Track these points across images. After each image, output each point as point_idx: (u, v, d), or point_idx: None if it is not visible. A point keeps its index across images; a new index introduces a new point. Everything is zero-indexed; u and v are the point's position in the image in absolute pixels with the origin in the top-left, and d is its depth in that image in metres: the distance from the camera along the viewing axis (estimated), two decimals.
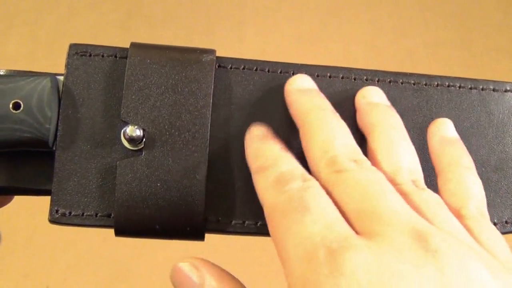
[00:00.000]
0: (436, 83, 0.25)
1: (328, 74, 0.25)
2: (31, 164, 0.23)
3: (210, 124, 0.23)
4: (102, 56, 0.24)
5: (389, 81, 0.25)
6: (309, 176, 0.20)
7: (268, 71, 0.25)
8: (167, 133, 0.22)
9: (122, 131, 0.22)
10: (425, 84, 0.25)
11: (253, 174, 0.21)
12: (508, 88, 0.26)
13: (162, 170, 0.22)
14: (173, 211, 0.22)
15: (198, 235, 0.23)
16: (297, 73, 0.25)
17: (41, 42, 0.89)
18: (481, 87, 0.25)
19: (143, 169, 0.22)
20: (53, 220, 0.22)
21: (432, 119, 0.24)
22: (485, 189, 0.23)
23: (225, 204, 0.23)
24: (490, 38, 0.91)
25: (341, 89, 0.25)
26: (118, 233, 0.22)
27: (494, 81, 0.26)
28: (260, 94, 0.24)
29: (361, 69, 0.25)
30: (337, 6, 0.94)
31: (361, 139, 0.23)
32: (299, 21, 0.93)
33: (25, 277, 0.69)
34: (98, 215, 0.22)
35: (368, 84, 0.25)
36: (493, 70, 0.87)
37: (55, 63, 0.87)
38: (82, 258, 0.70)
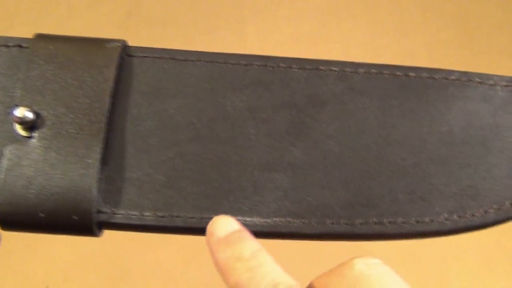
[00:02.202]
0: (362, 70, 0.25)
1: (244, 62, 0.24)
2: None
3: (114, 111, 0.22)
4: (7, 46, 0.24)
5: (309, 68, 0.24)
6: (297, 287, 0.19)
7: (179, 59, 0.24)
8: (63, 118, 0.22)
9: (12, 113, 0.21)
10: (350, 72, 0.25)
11: None
12: (443, 76, 0.25)
13: (52, 154, 0.21)
14: (60, 198, 0.21)
15: (88, 227, 0.21)
16: (204, 61, 0.24)
17: None
18: (412, 74, 0.25)
19: (33, 153, 0.21)
20: None
21: (359, 107, 0.24)
22: (422, 181, 0.22)
23: (123, 194, 0.22)
24: (490, 38, 0.91)
25: (259, 80, 0.24)
26: (3, 224, 0.21)
27: (429, 68, 0.25)
28: (171, 82, 0.24)
29: (279, 57, 0.24)
30: (337, 6, 0.94)
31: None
32: (299, 21, 0.93)
33: (25, 277, 0.69)
34: None
35: (288, 72, 0.24)
36: (493, 70, 0.87)
37: None
38: (82, 258, 0.70)
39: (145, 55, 0.24)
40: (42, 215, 0.21)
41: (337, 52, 0.88)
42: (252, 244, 0.20)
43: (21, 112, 0.21)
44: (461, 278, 0.70)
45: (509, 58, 0.89)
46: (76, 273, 0.69)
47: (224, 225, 0.21)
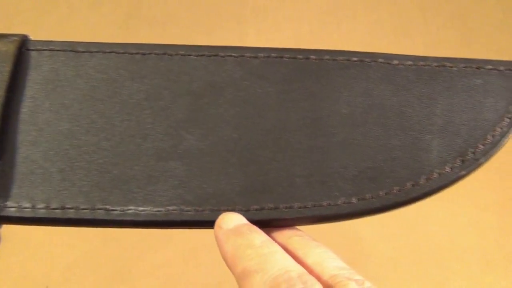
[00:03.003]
0: (262, 54, 0.24)
1: (143, 52, 0.24)
2: None
3: (10, 105, 0.22)
4: None
5: (207, 56, 0.24)
6: (308, 276, 0.18)
7: (78, 51, 0.25)
8: None
9: None
10: (250, 57, 0.24)
11: (237, 280, 0.20)
12: (345, 58, 0.24)
13: None
14: None
15: None
16: (103, 51, 0.24)
17: None
18: (313, 57, 0.24)
19: None
20: None
21: (259, 92, 0.24)
22: (320, 165, 0.22)
23: (15, 187, 0.22)
24: (490, 38, 0.91)
25: (157, 70, 0.24)
26: None
27: (331, 50, 0.25)
28: (69, 74, 0.24)
29: (178, 45, 0.25)
30: (337, 7, 0.94)
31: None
32: (299, 21, 0.93)
33: (24, 277, 0.69)
34: None
35: (187, 60, 0.24)
36: None
37: None
38: (82, 258, 0.70)
39: (44, 48, 0.25)
40: None
41: None
42: (263, 234, 0.20)
43: None
44: (461, 278, 0.70)
45: (509, 58, 0.89)
46: (76, 273, 0.69)
47: (233, 218, 0.21)
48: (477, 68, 0.25)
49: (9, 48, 0.23)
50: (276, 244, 0.20)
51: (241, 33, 0.91)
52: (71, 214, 0.22)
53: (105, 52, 0.25)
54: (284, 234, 0.22)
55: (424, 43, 0.90)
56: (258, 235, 0.20)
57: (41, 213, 0.22)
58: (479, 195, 0.74)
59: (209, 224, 0.23)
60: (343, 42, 0.90)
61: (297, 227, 0.24)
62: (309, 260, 0.20)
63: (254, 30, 0.91)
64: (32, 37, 0.24)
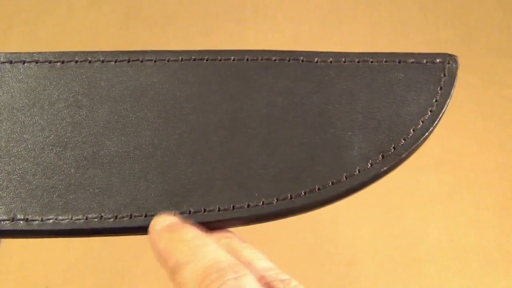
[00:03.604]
0: (182, 57, 0.25)
1: (62, 59, 0.25)
2: None
3: None
4: None
5: (127, 60, 0.24)
6: (240, 266, 0.18)
7: (37, 62, 0.24)
8: None
9: None
10: (170, 60, 0.25)
11: (169, 275, 0.19)
12: (265, 57, 0.24)
13: None
14: None
15: None
16: (24, 62, 0.24)
17: (41, 42, 0.89)
18: (234, 57, 0.25)
19: None
20: None
21: (178, 95, 0.24)
22: (240, 166, 0.22)
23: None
24: (490, 38, 0.91)
25: (78, 76, 0.24)
26: None
27: (252, 51, 0.25)
28: (20, 91, 0.24)
29: (99, 52, 0.25)
30: (337, 7, 0.94)
31: None
32: (299, 22, 0.93)
33: (24, 277, 0.69)
34: None
35: (107, 66, 0.24)
36: (494, 70, 0.87)
37: None
38: (82, 258, 0.70)
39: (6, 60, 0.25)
40: None
41: None
42: (194, 229, 0.20)
43: None
44: (461, 278, 0.70)
45: (509, 58, 0.89)
46: (76, 273, 0.69)
47: (166, 219, 0.21)
48: (398, 62, 0.25)
49: None
50: (208, 237, 0.20)
51: (241, 33, 0.91)
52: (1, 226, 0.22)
53: (26, 62, 0.24)
54: (213, 237, 0.22)
55: (424, 43, 0.90)
56: (190, 230, 0.20)
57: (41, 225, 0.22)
58: (479, 195, 0.74)
59: (128, 230, 0.22)
60: (343, 42, 0.90)
61: (229, 229, 0.24)
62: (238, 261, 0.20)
63: (254, 30, 0.91)
64: None
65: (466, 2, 0.95)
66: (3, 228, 0.22)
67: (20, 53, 0.25)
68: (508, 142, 0.78)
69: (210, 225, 0.23)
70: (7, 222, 0.22)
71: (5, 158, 0.23)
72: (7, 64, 0.24)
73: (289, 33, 0.91)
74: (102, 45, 0.89)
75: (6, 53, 0.24)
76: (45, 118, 0.23)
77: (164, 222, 0.21)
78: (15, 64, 0.24)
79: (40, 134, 0.23)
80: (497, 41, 0.91)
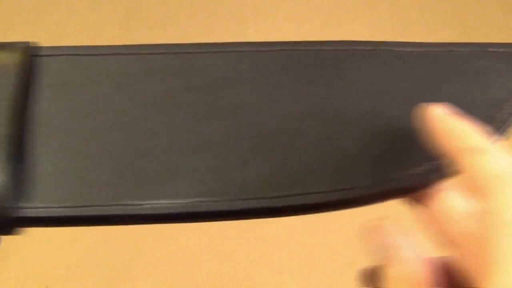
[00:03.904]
0: (263, 48, 0.25)
1: (148, 52, 0.25)
2: None
3: (25, 110, 0.22)
4: None
5: (212, 52, 0.25)
6: None
7: (85, 54, 0.25)
8: None
9: None
10: (251, 51, 0.25)
11: (459, 155, 0.19)
12: (356, 48, 0.25)
13: None
14: None
15: (4, 225, 0.21)
16: (109, 54, 0.25)
17: (41, 42, 0.89)
18: (314, 48, 0.25)
19: None
20: None
21: (271, 83, 0.24)
22: (336, 152, 0.23)
23: (38, 189, 0.22)
24: (490, 38, 0.91)
25: (166, 67, 0.24)
26: None
27: (337, 41, 0.26)
28: (80, 77, 0.24)
29: (183, 44, 0.25)
30: (337, 6, 0.94)
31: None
32: (299, 21, 0.93)
33: (25, 277, 0.69)
34: None
35: (194, 57, 0.25)
36: None
37: None
38: (82, 258, 0.70)
39: (51, 54, 0.25)
40: None
41: None
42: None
43: None
44: None
45: None
46: (76, 273, 0.69)
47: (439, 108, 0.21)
48: (480, 51, 0.25)
49: (16, 56, 0.23)
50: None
51: (241, 33, 0.91)
52: (97, 211, 0.22)
53: (112, 55, 0.25)
54: None
55: None
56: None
57: (65, 212, 0.22)
58: None
59: (238, 213, 0.23)
60: None
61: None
62: None
63: (254, 30, 0.91)
64: (38, 44, 0.24)
65: (466, 2, 0.95)
66: (106, 213, 0.22)
67: (107, 46, 0.25)
68: (506, 141, 0.78)
69: (306, 208, 0.23)
70: (113, 206, 0.22)
71: (101, 146, 0.23)
72: (93, 57, 0.24)
73: (289, 33, 0.91)
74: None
75: (92, 47, 0.25)
76: (138, 107, 0.24)
77: (443, 109, 0.21)
78: (102, 57, 0.24)
79: (135, 122, 0.23)
80: (497, 41, 0.91)
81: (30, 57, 0.24)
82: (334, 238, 0.72)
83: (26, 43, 0.24)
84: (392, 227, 0.22)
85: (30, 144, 0.22)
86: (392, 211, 0.25)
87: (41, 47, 0.24)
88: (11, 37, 0.90)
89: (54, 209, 0.22)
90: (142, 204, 0.22)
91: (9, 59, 0.23)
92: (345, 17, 0.93)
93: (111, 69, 0.24)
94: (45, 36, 0.90)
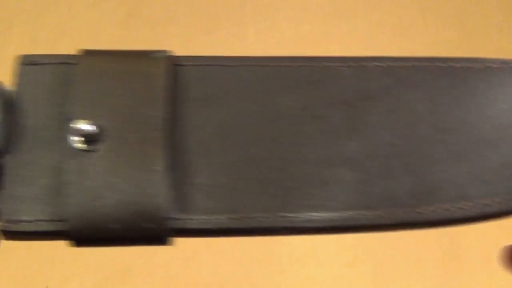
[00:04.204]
0: (406, 64, 0.25)
1: (289, 64, 0.25)
2: None
3: (171, 119, 0.22)
4: (52, 64, 0.23)
5: (353, 66, 0.25)
6: None
7: (228, 66, 0.25)
8: (121, 128, 0.22)
9: (71, 127, 0.21)
10: (395, 66, 0.25)
11: None
12: (488, 65, 0.25)
13: (116, 164, 0.21)
14: (129, 206, 0.20)
15: (160, 235, 0.21)
16: (249, 65, 0.25)
17: (41, 42, 0.89)
18: (455, 64, 0.25)
19: (95, 165, 0.21)
20: (3, 230, 0.20)
21: (409, 99, 0.24)
22: (478, 165, 0.23)
23: (192, 199, 0.22)
24: (490, 38, 0.91)
25: (310, 80, 0.24)
26: (76, 241, 0.21)
27: (472, 58, 0.25)
28: (222, 88, 0.24)
29: (323, 56, 0.25)
30: (337, 6, 0.94)
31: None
32: (299, 21, 0.93)
33: (25, 277, 0.69)
34: (52, 220, 0.21)
35: (334, 70, 0.24)
36: None
37: None
38: (82, 258, 0.70)
39: (192, 63, 0.24)
40: (113, 226, 0.20)
41: (337, 52, 0.88)
42: None
43: (80, 125, 0.21)
44: (461, 278, 0.70)
45: (509, 58, 0.89)
46: (76, 273, 0.69)
47: None
48: None
49: (160, 63, 0.23)
50: None
51: (241, 33, 0.91)
52: (253, 223, 0.22)
53: (252, 66, 0.25)
54: None
55: (424, 43, 0.90)
56: None
57: (223, 223, 0.22)
58: None
59: (388, 226, 0.23)
60: (343, 42, 0.90)
61: None
62: None
63: (254, 30, 0.91)
64: (173, 52, 0.24)
65: (466, 2, 0.95)
66: (265, 226, 0.22)
67: (246, 57, 0.25)
68: None
69: (455, 221, 0.24)
70: (268, 219, 0.22)
71: (251, 158, 0.23)
72: (235, 68, 0.24)
73: (289, 32, 0.91)
74: (103, 45, 0.89)
75: (232, 57, 0.25)
76: (283, 119, 0.24)
77: None
78: (243, 68, 0.24)
79: (281, 134, 0.23)
80: (497, 41, 0.91)
81: (173, 66, 0.24)
82: (334, 238, 0.72)
83: (165, 51, 0.24)
84: None
85: (178, 155, 0.22)
86: None
87: (181, 57, 0.24)
88: (11, 37, 0.90)
89: (207, 221, 0.22)
90: (298, 217, 0.22)
91: (154, 68, 0.23)
92: (345, 17, 0.93)
93: (249, 80, 0.24)
94: (45, 36, 0.90)
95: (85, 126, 0.21)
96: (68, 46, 0.97)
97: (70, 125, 0.21)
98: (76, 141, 0.21)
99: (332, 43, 0.90)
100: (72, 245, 0.21)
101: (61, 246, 0.77)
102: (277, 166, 0.23)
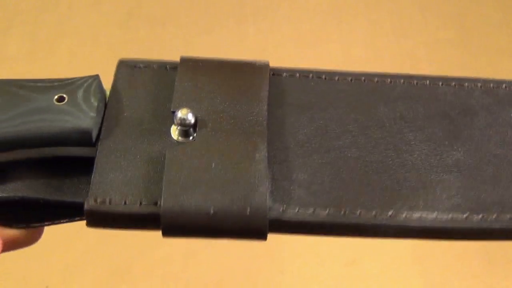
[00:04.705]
0: (504, 85, 0.26)
1: (389, 80, 0.26)
2: (66, 174, 0.21)
3: (269, 120, 0.23)
4: (150, 67, 0.24)
5: (454, 85, 0.26)
6: None
7: (325, 78, 0.26)
8: (222, 121, 0.22)
9: (174, 115, 0.21)
10: (494, 87, 0.26)
11: None
12: None
13: (217, 154, 0.21)
14: (230, 195, 0.20)
15: (259, 225, 0.21)
16: (354, 79, 0.26)
17: (41, 42, 0.89)
18: None
19: (195, 153, 0.21)
20: (89, 210, 0.20)
21: (508, 116, 0.25)
22: None
23: (291, 193, 0.22)
24: (490, 38, 0.91)
25: (407, 95, 0.25)
26: (167, 227, 0.20)
27: None
28: (320, 96, 0.25)
29: (423, 75, 0.26)
30: (337, 6, 0.94)
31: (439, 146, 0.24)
32: (299, 21, 0.93)
33: (24, 277, 0.69)
34: (143, 203, 0.20)
35: (434, 87, 0.26)
36: (493, 70, 0.87)
37: (55, 63, 0.87)
38: (82, 258, 0.70)
39: (291, 74, 0.25)
40: (211, 211, 0.20)
41: (337, 52, 0.88)
42: None
43: (183, 114, 0.21)
44: (461, 278, 0.70)
45: (509, 58, 0.89)
46: (76, 273, 0.69)
47: None
48: None
49: (262, 69, 0.24)
50: None
51: (241, 32, 0.91)
52: (354, 219, 0.22)
53: (349, 79, 0.26)
54: None
55: (424, 43, 0.90)
56: None
57: (323, 217, 0.22)
58: None
59: (490, 232, 0.23)
60: (343, 42, 0.90)
61: None
62: None
63: (254, 29, 0.92)
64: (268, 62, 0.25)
65: (466, 2, 0.95)
66: (368, 223, 0.22)
67: (343, 72, 0.26)
68: None
69: None
70: (370, 217, 0.22)
71: (349, 162, 0.23)
72: (333, 81, 0.25)
73: (289, 32, 0.91)
74: (103, 45, 0.89)
75: (329, 71, 0.26)
76: (383, 128, 0.25)
77: None
78: (340, 81, 0.25)
79: (382, 141, 0.24)
80: (496, 41, 0.91)
81: (272, 76, 0.25)
82: (334, 238, 0.72)
83: (266, 62, 0.25)
84: None
85: (277, 152, 0.23)
86: None
87: (278, 68, 0.25)
88: (11, 37, 0.90)
89: (307, 214, 0.22)
90: (403, 216, 0.22)
91: (256, 72, 0.24)
92: (344, 17, 0.93)
93: (349, 92, 0.25)
94: (45, 36, 0.90)
95: (186, 115, 0.21)
96: (69, 46, 0.97)
97: (174, 113, 0.21)
98: (176, 131, 0.22)
99: (332, 43, 0.90)
100: (162, 232, 0.21)
101: (61, 246, 0.77)
102: (378, 168, 0.23)
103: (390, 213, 0.22)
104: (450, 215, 0.23)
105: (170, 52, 0.86)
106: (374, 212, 0.22)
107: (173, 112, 0.22)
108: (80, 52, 0.88)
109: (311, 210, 0.22)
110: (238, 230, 0.21)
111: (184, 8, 0.94)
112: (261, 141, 0.22)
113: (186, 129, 0.21)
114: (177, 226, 0.20)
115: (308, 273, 0.70)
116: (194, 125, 0.22)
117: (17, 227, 0.22)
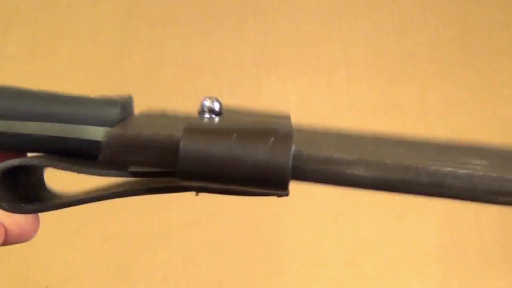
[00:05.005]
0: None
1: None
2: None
3: None
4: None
5: None
6: None
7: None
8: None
9: (202, 104, 0.22)
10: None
11: None
12: None
13: (237, 126, 0.21)
14: (259, 127, 0.20)
15: (284, 171, 0.19)
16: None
17: (41, 42, 0.89)
18: None
19: (215, 122, 0.22)
20: (113, 134, 0.21)
21: None
22: None
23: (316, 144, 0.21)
24: (490, 38, 0.91)
25: None
26: (182, 169, 0.20)
27: None
28: None
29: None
30: (337, 6, 0.94)
31: None
32: (299, 21, 0.93)
33: (24, 277, 0.69)
34: (167, 134, 0.21)
35: None
36: (493, 70, 0.87)
37: (55, 63, 0.87)
38: (82, 258, 0.70)
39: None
40: (234, 134, 0.20)
41: (337, 52, 0.88)
42: None
43: (210, 102, 0.22)
44: (461, 278, 0.70)
45: (510, 58, 0.89)
46: (76, 273, 0.69)
47: None
48: None
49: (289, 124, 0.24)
50: None
51: (241, 33, 0.91)
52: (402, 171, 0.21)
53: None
54: None
55: (424, 43, 0.90)
56: None
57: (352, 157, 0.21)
58: None
59: None
60: (343, 42, 0.90)
61: None
62: None
63: (254, 30, 0.91)
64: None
65: (466, 2, 0.95)
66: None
67: None
68: (508, 142, 0.78)
69: None
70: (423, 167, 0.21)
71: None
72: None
73: (289, 32, 0.91)
74: (103, 45, 0.89)
75: None
76: None
77: None
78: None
79: None
80: (497, 41, 0.91)
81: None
82: (335, 238, 0.72)
83: (288, 117, 0.24)
84: None
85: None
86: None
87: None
88: (11, 37, 0.90)
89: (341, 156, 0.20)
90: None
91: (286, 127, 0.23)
92: (345, 17, 0.93)
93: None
94: (45, 36, 0.90)
95: (213, 101, 0.22)
96: (68, 46, 0.97)
97: (203, 103, 0.22)
98: (202, 113, 0.22)
99: (332, 42, 0.90)
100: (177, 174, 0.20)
101: (61, 246, 0.77)
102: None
103: (433, 167, 0.21)
104: None
105: (170, 52, 0.86)
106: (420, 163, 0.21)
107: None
108: (80, 52, 0.88)
109: (339, 155, 0.20)
110: (262, 182, 0.20)
111: (184, 8, 0.94)
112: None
113: (213, 113, 0.22)
114: (191, 170, 0.20)
115: (307, 273, 0.70)
116: (220, 111, 0.23)
117: (26, 210, 0.21)
